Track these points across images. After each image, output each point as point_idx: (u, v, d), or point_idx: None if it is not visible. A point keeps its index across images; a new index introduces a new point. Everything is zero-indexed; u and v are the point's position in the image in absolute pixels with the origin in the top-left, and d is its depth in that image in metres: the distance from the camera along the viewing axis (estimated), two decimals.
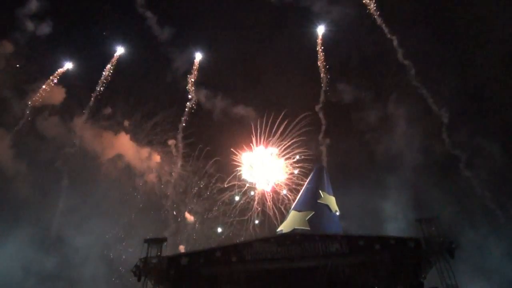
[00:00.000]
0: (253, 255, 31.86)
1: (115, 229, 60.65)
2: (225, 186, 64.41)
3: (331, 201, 44.23)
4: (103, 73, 67.29)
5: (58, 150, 62.25)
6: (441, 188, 58.27)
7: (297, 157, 64.06)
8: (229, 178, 64.29)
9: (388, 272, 30.17)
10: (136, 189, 64.95)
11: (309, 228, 39.22)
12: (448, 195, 58.00)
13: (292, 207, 46.84)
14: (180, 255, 32.75)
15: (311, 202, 43.35)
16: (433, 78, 63.87)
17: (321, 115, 67.13)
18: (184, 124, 67.75)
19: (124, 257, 58.84)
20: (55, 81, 65.25)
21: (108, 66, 67.89)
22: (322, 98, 67.62)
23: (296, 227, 39.75)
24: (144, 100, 67.01)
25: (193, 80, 69.91)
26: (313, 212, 41.29)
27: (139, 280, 30.60)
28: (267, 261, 31.45)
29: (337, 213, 44.43)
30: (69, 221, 57.78)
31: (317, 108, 67.23)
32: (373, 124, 66.08)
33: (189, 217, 64.85)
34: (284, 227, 42.43)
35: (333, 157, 63.85)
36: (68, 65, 66.84)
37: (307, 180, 53.29)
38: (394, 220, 56.12)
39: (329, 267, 30.67)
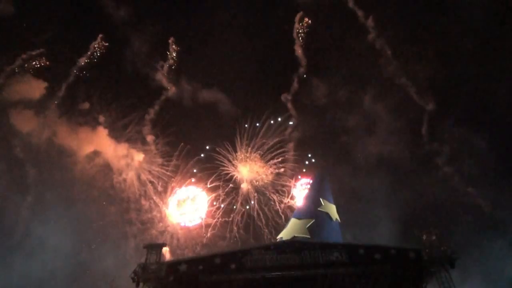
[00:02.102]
0: (252, 262, 31.59)
1: (88, 231, 58.46)
2: (208, 186, 63.51)
3: (332, 209, 44.12)
4: (79, 64, 64.99)
5: (28, 145, 59.39)
6: (422, 186, 58.53)
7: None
8: (211, 179, 63.39)
9: (388, 282, 30.02)
10: (114, 188, 62.76)
11: (309, 236, 39.09)
12: (432, 193, 58.15)
13: (293, 214, 46.72)
14: (179, 261, 32.50)
15: (312, 210, 43.23)
16: (414, 70, 63.59)
17: (290, 106, 66.85)
18: (157, 119, 65.84)
19: (96, 260, 56.30)
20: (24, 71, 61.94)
21: (85, 57, 65.65)
22: (294, 86, 67.42)
23: (296, 235, 39.62)
24: (123, 94, 65.01)
25: (166, 70, 68.37)
26: (314, 220, 41.16)
27: (137, 286, 30.40)
28: (266, 269, 31.19)
29: (338, 222, 44.31)
30: (37, 220, 55.35)
31: (286, 97, 67.01)
32: (350, 121, 66.21)
33: (171, 217, 63.09)
34: (284, 235, 42.27)
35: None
36: (40, 53, 63.32)
37: (308, 187, 53.28)
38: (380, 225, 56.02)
39: (329, 276, 30.47)
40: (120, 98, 64.76)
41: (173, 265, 32.00)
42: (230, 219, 62.08)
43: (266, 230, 60.96)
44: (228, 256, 32.86)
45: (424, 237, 31.41)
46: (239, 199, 63.22)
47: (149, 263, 31.21)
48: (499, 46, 59.65)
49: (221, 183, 63.53)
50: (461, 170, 59.83)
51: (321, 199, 44.06)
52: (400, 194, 57.84)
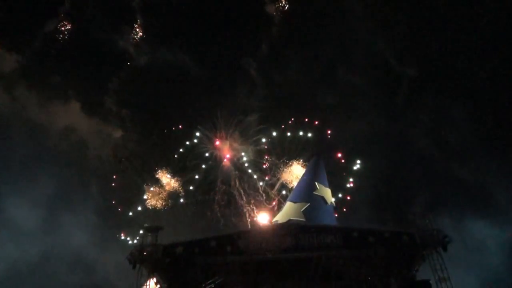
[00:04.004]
0: (248, 245, 31.92)
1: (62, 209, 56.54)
2: (187, 164, 62.29)
3: (327, 193, 44.40)
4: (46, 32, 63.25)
5: None
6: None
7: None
8: (190, 156, 61.99)
9: (381, 265, 30.44)
10: (89, 165, 61.40)
11: (304, 220, 39.44)
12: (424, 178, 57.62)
13: (288, 198, 47.01)
14: (175, 244, 32.77)
15: (307, 194, 43.48)
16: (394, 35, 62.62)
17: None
18: (130, 93, 64.10)
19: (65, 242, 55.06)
20: None
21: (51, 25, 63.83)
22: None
23: (291, 218, 39.96)
24: (95, 67, 62.80)
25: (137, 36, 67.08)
26: (309, 204, 41.45)
27: (134, 267, 30.65)
28: (261, 251, 31.53)
29: (333, 205, 44.67)
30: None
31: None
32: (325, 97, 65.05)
33: (150, 195, 61.66)
34: (279, 218, 42.67)
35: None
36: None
37: (304, 171, 53.44)
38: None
39: (323, 259, 30.85)
40: (92, 71, 62.92)
41: (169, 248, 32.25)
42: (211, 197, 61.06)
43: (248, 208, 60.43)
44: (224, 238, 33.17)
45: (417, 220, 31.79)
46: (220, 177, 61.99)
47: (146, 245, 31.41)
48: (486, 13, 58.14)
49: (201, 161, 62.27)
50: (441, 142, 59.56)
51: (316, 183, 44.26)
52: (377, 172, 58.07)
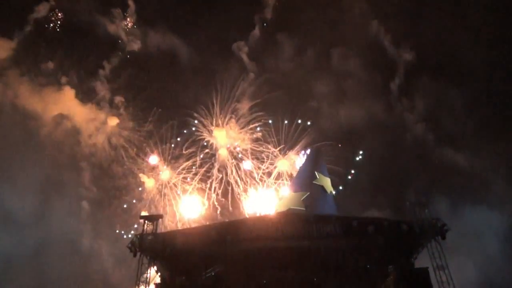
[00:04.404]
0: (248, 234, 32.06)
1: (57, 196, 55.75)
2: (184, 152, 61.56)
3: (327, 182, 44.52)
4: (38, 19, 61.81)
5: None
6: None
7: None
8: (186, 144, 61.33)
9: (380, 253, 30.61)
10: (83, 152, 60.25)
11: (304, 209, 39.58)
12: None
13: (288, 188, 47.11)
14: (176, 232, 32.99)
15: (307, 183, 43.59)
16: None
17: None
18: (127, 80, 62.91)
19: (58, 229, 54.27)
20: None
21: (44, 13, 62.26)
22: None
23: (291, 207, 40.10)
24: (90, 53, 61.78)
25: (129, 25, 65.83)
26: (308, 193, 41.57)
27: (134, 256, 30.86)
28: (261, 240, 31.67)
29: (332, 194, 44.82)
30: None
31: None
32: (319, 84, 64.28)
33: (147, 183, 61.13)
34: (279, 207, 42.83)
35: None
36: None
37: (303, 161, 53.55)
38: None
39: (323, 248, 31.01)
40: (86, 58, 62.15)
41: (169, 237, 32.45)
42: (208, 185, 60.59)
43: (245, 196, 60.31)
44: (224, 228, 33.32)
45: (416, 209, 31.85)
46: (216, 166, 61.57)
47: (146, 234, 31.51)
48: None
49: (197, 149, 61.66)
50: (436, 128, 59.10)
51: (316, 173, 44.36)
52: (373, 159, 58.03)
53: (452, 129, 59.68)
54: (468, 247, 49.56)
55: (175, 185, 60.70)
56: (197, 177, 60.80)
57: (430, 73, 61.04)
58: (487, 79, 58.21)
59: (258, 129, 62.19)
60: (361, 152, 61.45)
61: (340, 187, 58.66)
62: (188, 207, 59.67)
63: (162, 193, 60.40)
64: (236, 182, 60.79)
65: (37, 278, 51.00)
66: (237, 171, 61.47)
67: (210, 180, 60.73)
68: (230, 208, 59.43)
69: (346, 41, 64.51)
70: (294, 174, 55.71)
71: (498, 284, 49.42)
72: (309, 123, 62.31)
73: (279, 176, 60.78)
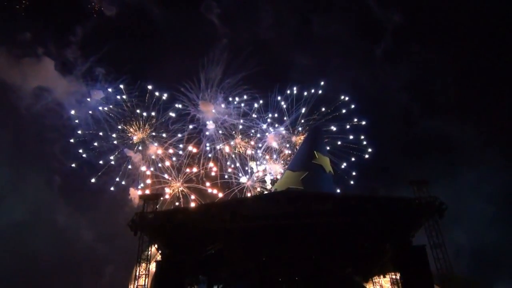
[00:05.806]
0: (247, 212, 32.09)
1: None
2: (170, 127, 60.27)
3: (325, 161, 44.68)
4: None
5: None
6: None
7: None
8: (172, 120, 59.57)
9: (378, 231, 30.87)
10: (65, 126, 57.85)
11: (303, 188, 39.82)
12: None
13: (287, 167, 47.25)
14: (176, 210, 33.21)
15: (306, 163, 43.75)
16: None
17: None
18: (111, 50, 60.12)
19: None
20: None
21: None
22: None
23: (290, 186, 40.34)
24: (69, 23, 59.53)
25: None
26: (307, 172, 41.76)
27: (135, 234, 31.09)
28: (260, 218, 31.84)
29: (331, 173, 45.03)
30: None
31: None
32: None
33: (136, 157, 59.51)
34: (278, 186, 43.09)
35: None
36: None
37: (302, 141, 53.58)
38: None
39: (322, 226, 31.31)
40: (65, 28, 60.07)
41: (169, 215, 32.69)
42: (196, 162, 59.47)
43: (234, 172, 59.66)
44: (223, 206, 33.55)
45: (415, 188, 31.99)
46: (204, 142, 60.47)
47: (146, 212, 31.76)
48: None
49: (184, 126, 60.24)
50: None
51: (315, 152, 44.44)
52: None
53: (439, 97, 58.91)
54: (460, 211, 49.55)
55: (161, 160, 59.60)
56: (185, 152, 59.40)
57: (418, 38, 60.46)
58: (477, 44, 57.01)
59: (243, 105, 61.09)
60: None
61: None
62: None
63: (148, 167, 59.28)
64: (225, 158, 60.20)
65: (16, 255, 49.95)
66: (226, 148, 60.65)
67: (198, 156, 59.67)
68: (220, 185, 57.90)
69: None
70: (283, 149, 56.50)
71: (491, 250, 50.11)
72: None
73: (269, 151, 60.71)
